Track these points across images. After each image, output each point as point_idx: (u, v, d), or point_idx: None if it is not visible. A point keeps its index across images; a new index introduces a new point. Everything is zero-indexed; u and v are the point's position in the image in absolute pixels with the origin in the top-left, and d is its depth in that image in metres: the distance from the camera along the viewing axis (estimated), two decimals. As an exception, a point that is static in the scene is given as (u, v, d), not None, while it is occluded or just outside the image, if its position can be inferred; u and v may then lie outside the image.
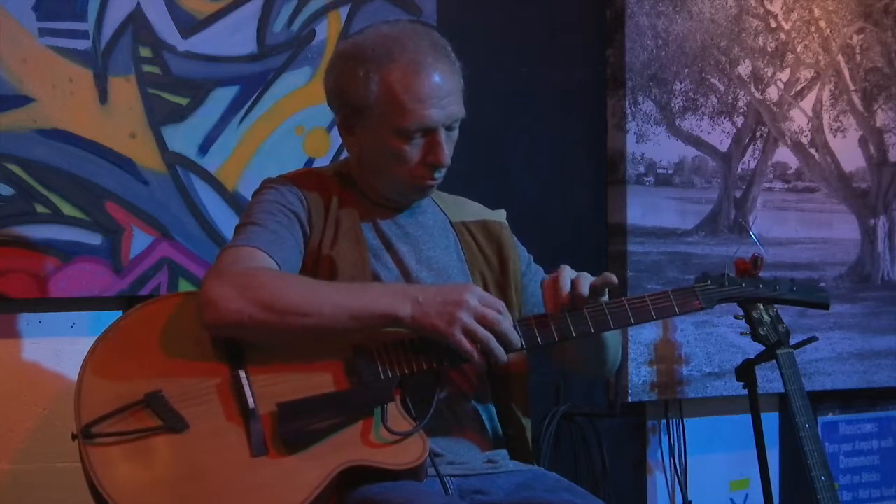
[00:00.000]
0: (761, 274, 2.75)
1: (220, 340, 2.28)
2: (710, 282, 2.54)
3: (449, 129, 2.41)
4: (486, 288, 2.48)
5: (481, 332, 2.25)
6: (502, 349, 2.27)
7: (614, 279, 2.37)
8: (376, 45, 2.39)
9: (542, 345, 2.36)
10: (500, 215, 2.65)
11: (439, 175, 2.44)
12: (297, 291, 2.25)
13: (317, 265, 2.40)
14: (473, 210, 2.64)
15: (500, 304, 2.29)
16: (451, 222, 2.58)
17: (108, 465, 2.17)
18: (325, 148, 3.24)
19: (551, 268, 2.57)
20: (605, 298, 2.40)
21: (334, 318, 2.23)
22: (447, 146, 2.40)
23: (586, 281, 2.34)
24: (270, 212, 2.40)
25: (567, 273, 2.35)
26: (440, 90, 2.37)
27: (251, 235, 2.35)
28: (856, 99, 4.13)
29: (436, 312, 2.24)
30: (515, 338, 2.29)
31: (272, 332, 2.25)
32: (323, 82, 2.50)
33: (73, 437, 2.21)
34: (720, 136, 3.89)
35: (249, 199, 2.52)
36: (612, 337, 2.50)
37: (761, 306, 2.87)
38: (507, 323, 2.27)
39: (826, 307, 2.75)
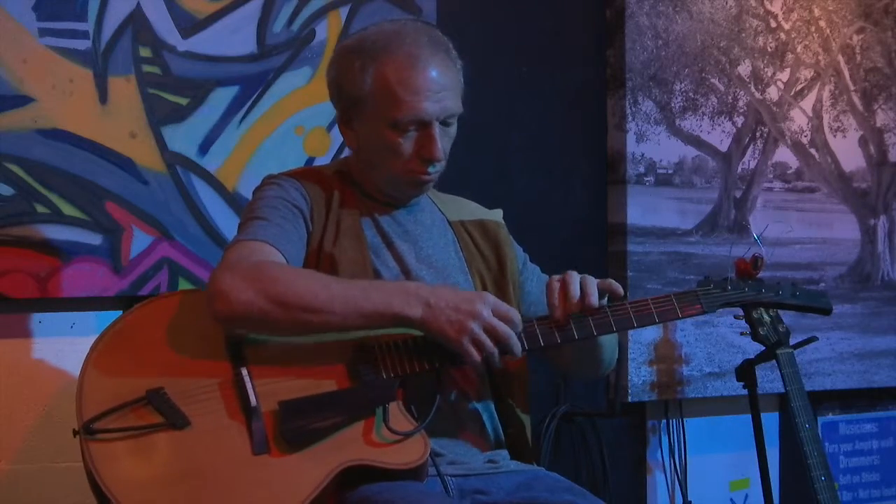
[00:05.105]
0: (762, 275, 2.75)
1: (223, 338, 2.28)
2: (712, 286, 2.53)
3: (445, 124, 2.41)
4: (484, 286, 2.49)
5: (489, 345, 2.24)
6: (503, 360, 2.28)
7: (620, 290, 2.37)
8: (375, 39, 2.41)
9: (544, 346, 2.36)
10: (497, 215, 2.66)
11: (434, 170, 2.44)
12: (307, 287, 2.24)
13: (318, 262, 2.40)
14: (471, 210, 2.65)
15: (514, 313, 2.29)
16: (448, 221, 2.59)
17: (110, 461, 2.17)
18: (325, 148, 3.24)
19: (551, 268, 2.57)
20: (605, 301, 2.40)
21: (344, 316, 2.23)
22: (441, 141, 2.40)
23: (595, 290, 2.34)
24: (275, 207, 2.40)
25: (575, 281, 2.34)
26: (435, 84, 2.38)
27: (258, 230, 2.35)
28: (856, 99, 4.13)
29: (446, 319, 2.23)
30: (519, 349, 2.28)
31: (281, 326, 2.25)
32: (325, 78, 2.50)
33: (75, 433, 2.21)
34: (720, 136, 3.89)
35: (249, 198, 2.52)
36: (608, 337, 2.50)
37: (762, 307, 2.87)
38: (515, 338, 2.27)
39: (828, 312, 2.74)
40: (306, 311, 2.23)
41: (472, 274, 2.52)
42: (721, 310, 2.59)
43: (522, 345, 2.30)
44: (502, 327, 2.25)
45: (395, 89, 2.37)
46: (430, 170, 2.43)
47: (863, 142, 4.15)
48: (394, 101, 2.37)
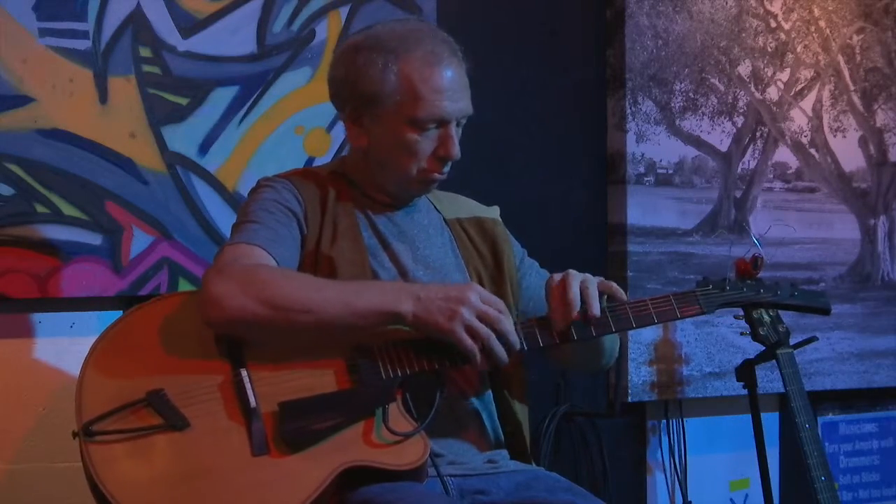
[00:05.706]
0: (762, 276, 2.75)
1: (222, 340, 2.28)
2: (711, 286, 2.54)
3: (458, 124, 2.43)
4: (481, 284, 2.48)
5: (483, 329, 2.24)
6: (503, 349, 2.27)
7: (622, 295, 2.37)
8: (394, 37, 2.41)
9: (543, 346, 2.36)
10: (494, 212, 2.66)
11: (446, 170, 2.45)
12: (299, 288, 2.25)
13: (316, 265, 2.40)
14: (467, 207, 2.65)
15: (501, 304, 2.29)
16: (445, 219, 2.59)
17: (109, 463, 2.17)
18: (325, 148, 3.24)
19: (551, 269, 2.57)
20: (605, 300, 2.40)
21: (336, 315, 2.23)
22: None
23: (596, 300, 2.33)
24: (268, 210, 2.40)
25: (576, 287, 2.33)
26: (455, 84, 2.40)
27: (250, 233, 2.35)
28: (856, 99, 4.13)
29: (437, 309, 2.24)
30: (515, 338, 2.29)
31: (274, 329, 2.25)
32: (328, 75, 2.50)
33: (74, 434, 2.21)
34: (720, 136, 3.89)
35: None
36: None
37: (761, 307, 2.87)
38: (507, 322, 2.27)
39: (827, 312, 2.74)
40: (298, 311, 2.23)
41: (470, 272, 2.53)
42: (720, 310, 2.60)
43: (521, 342, 2.30)
44: (492, 311, 2.26)
45: (419, 87, 2.37)
46: (444, 169, 2.44)
47: (863, 142, 4.15)
48: (417, 100, 2.37)
